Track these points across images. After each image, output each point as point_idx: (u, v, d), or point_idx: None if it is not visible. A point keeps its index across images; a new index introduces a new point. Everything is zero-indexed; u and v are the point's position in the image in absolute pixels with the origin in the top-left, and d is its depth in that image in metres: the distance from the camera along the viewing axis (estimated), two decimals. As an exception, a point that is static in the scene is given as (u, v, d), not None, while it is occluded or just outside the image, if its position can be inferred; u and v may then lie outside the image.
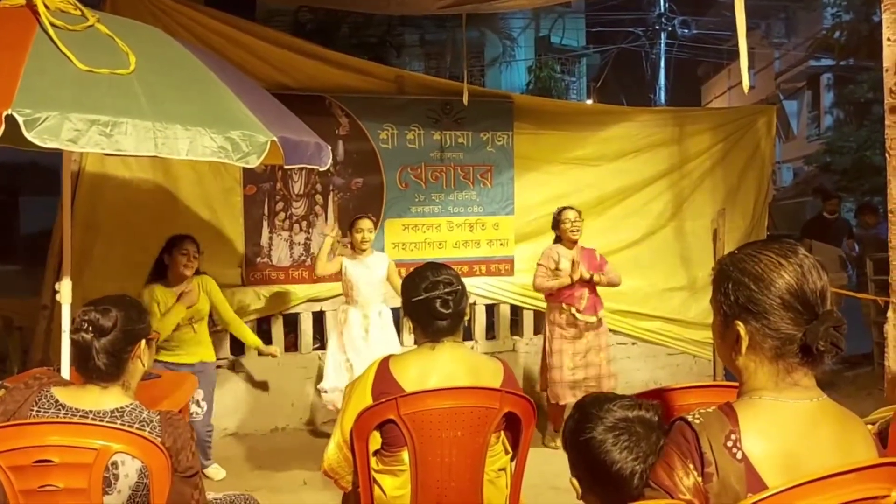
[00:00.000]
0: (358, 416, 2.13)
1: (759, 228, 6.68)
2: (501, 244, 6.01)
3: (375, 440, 2.19)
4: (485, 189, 5.98)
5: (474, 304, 5.90)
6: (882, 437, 2.19)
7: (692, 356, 6.36)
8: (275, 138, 2.67)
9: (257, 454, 4.93)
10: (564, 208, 5.01)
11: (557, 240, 5.03)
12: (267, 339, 5.43)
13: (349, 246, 4.85)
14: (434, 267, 2.31)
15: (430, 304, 2.21)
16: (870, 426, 2.30)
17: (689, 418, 1.32)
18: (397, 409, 2.12)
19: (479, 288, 5.87)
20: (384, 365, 2.24)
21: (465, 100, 5.40)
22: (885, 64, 3.26)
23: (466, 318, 2.31)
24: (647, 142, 6.35)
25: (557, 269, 4.82)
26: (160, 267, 4.20)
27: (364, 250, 4.69)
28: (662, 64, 18.77)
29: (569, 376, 4.82)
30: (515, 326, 6.19)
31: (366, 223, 4.71)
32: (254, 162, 2.63)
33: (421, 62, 16.74)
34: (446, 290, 2.21)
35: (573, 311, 4.82)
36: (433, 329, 2.24)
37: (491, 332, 6.12)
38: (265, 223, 5.41)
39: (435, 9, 5.02)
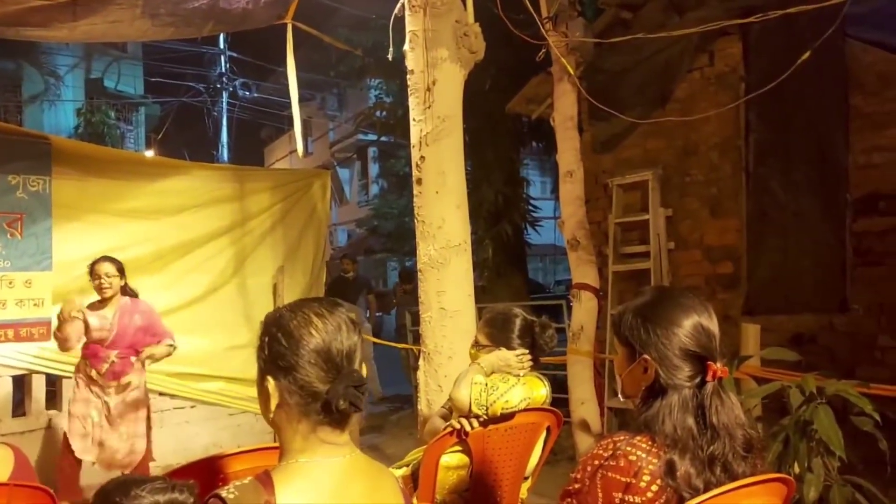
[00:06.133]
0: None
1: (318, 285, 7.01)
2: (35, 304, 5.17)
3: None
4: (13, 240, 5.09)
5: (-4, 376, 4.97)
6: (416, 478, 2.39)
7: (254, 415, 6.29)
8: None
9: None
10: (98, 260, 4.43)
11: None
12: None
13: None
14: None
15: None
16: (405, 468, 2.50)
17: (224, 494, 1.24)
18: None
19: (5, 357, 4.97)
20: None
21: (-16, 135, 4.58)
22: (412, 141, 3.71)
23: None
24: (208, 197, 6.19)
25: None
26: None
27: None
28: (225, 122, 18.94)
29: (91, 430, 4.30)
30: (53, 399, 5.35)
31: None
32: None
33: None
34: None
35: (93, 372, 4.32)
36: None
37: (21, 409, 5.19)
38: None
39: (-57, 25, 4.18)
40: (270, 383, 1.33)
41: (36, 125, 14.64)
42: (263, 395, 1.35)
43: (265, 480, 1.27)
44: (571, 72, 4.44)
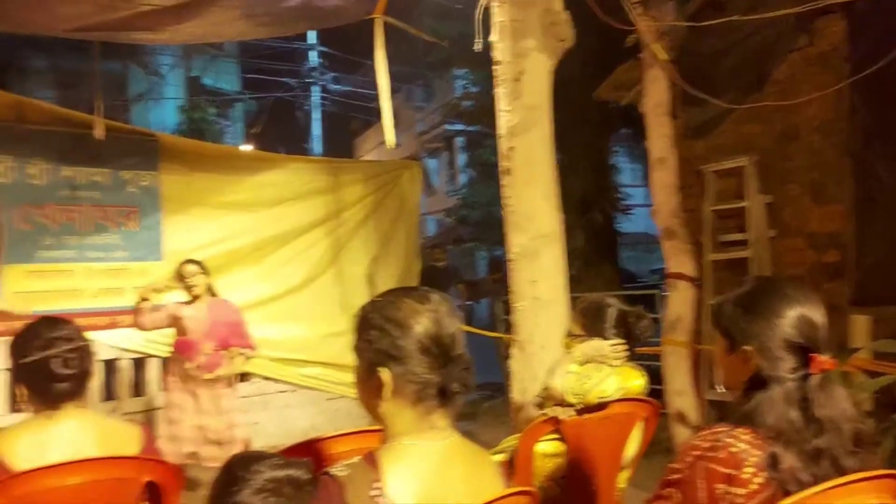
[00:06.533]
0: (-53, 512, 1.71)
1: (411, 274, 7.12)
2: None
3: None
4: (129, 232, 5.46)
5: (118, 359, 5.33)
6: (511, 464, 2.43)
7: (352, 399, 6.48)
8: None
9: None
10: (184, 262, 4.64)
11: None
12: None
13: None
14: (49, 322, 1.98)
15: (47, 364, 1.88)
16: (500, 455, 2.54)
17: (334, 471, 1.31)
18: (6, 493, 1.76)
19: (125, 340, 5.32)
20: (-14, 444, 1.84)
21: (99, 134, 4.90)
22: (500, 131, 3.72)
23: (93, 377, 2.01)
24: (304, 190, 6.42)
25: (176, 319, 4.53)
26: None
27: None
28: (318, 116, 19.45)
29: (187, 433, 4.48)
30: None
31: None
32: None
33: (53, 91, 14.97)
34: (66, 347, 1.91)
35: (189, 365, 4.49)
36: (52, 394, 1.91)
37: (138, 390, 5.56)
38: None
39: (59, 31, 4.48)
40: (385, 373, 1.35)
41: (141, 123, 15.48)
42: (373, 385, 1.37)
43: (371, 460, 1.32)
44: (662, 57, 4.34)
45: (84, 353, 1.96)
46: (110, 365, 5.34)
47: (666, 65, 4.44)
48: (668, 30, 4.50)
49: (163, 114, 17.58)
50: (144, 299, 4.43)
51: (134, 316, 4.51)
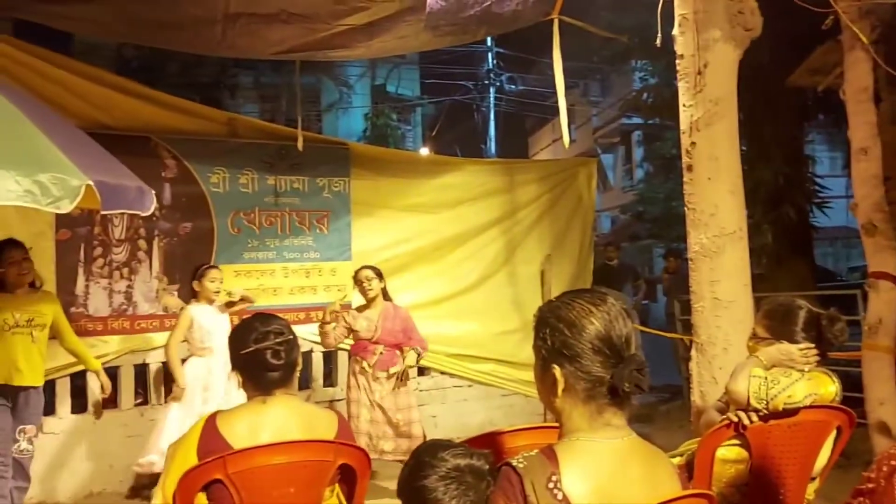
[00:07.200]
0: (182, 478, 1.99)
1: (585, 273, 7.09)
2: (339, 290, 5.97)
3: (201, 503, 2.06)
4: (321, 235, 5.94)
5: (311, 351, 5.78)
6: (690, 468, 2.38)
7: (525, 396, 6.58)
8: (90, 182, 2.50)
9: (68, 525, 4.47)
10: (361, 267, 5.03)
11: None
12: (82, 396, 5.00)
13: (175, 293, 4.68)
14: (263, 318, 2.23)
15: (261, 355, 2.12)
16: (678, 458, 2.50)
17: (514, 462, 1.37)
18: (225, 468, 2.01)
19: (316, 335, 5.79)
20: (211, 422, 2.11)
21: (300, 146, 5.37)
22: (682, 127, 3.61)
23: (299, 368, 2.24)
24: (480, 191, 6.61)
25: (352, 329, 4.88)
26: None
27: (213, 301, 4.64)
28: (492, 116, 19.77)
29: (365, 427, 4.78)
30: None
31: (218, 273, 4.67)
32: (66, 207, 2.46)
33: (255, 105, 16.48)
34: (277, 340, 2.14)
35: (365, 364, 4.82)
36: (265, 381, 2.15)
37: (329, 380, 6.01)
38: (81, 270, 5.03)
39: (268, 54, 4.98)
40: (557, 371, 1.41)
41: (332, 131, 16.61)
42: (548, 382, 1.44)
43: (549, 454, 1.37)
44: (864, 40, 3.99)
45: (292, 345, 2.18)
46: (304, 357, 5.80)
47: (869, 46, 4.08)
48: (873, 8, 4.13)
49: (350, 121, 18.73)
50: (326, 322, 4.85)
51: (321, 340, 4.96)
